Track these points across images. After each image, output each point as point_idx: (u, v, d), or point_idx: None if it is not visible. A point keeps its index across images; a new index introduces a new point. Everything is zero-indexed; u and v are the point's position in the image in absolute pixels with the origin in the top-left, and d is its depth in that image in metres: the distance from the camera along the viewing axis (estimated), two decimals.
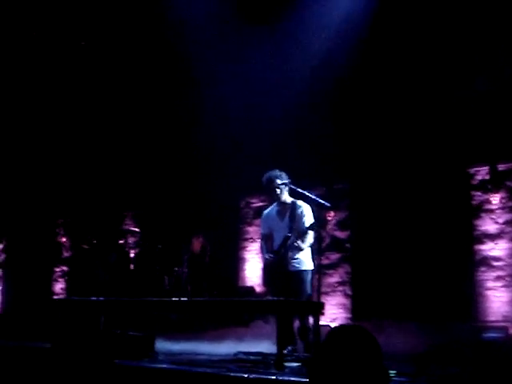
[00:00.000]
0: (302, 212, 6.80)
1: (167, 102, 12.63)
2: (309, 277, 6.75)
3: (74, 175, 14.35)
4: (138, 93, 12.82)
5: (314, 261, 6.82)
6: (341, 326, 2.59)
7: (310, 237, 6.71)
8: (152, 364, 5.50)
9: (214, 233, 12.18)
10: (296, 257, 6.73)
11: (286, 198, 6.92)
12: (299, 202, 6.84)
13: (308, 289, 6.69)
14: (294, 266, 6.75)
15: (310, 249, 6.83)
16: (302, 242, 6.65)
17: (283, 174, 6.92)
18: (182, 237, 11.70)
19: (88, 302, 7.09)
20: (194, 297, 8.77)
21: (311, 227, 6.57)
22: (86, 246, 13.20)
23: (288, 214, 6.85)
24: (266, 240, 7.06)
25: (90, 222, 14.22)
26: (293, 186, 6.77)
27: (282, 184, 6.85)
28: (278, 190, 6.85)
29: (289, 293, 6.48)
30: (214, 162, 12.04)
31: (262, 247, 7.16)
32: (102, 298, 7.03)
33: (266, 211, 7.22)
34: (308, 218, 6.74)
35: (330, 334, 2.52)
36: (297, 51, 10.82)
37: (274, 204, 7.08)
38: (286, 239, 6.67)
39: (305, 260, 6.76)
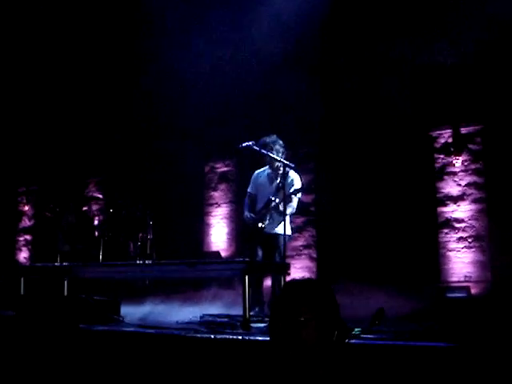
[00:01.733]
0: (292, 181, 6.83)
1: (130, 65, 12.41)
2: (285, 242, 6.76)
3: (37, 142, 14.12)
4: (100, 56, 12.59)
5: (292, 227, 6.88)
6: (295, 280, 2.59)
7: (294, 203, 6.74)
8: (117, 327, 5.46)
9: (179, 198, 12.14)
10: (275, 220, 6.74)
11: (279, 164, 6.88)
12: (292, 172, 6.85)
13: (282, 252, 6.70)
14: (271, 229, 6.77)
15: (289, 216, 6.84)
16: (285, 208, 6.65)
17: (279, 141, 6.91)
18: (147, 202, 11.61)
19: (51, 267, 7.01)
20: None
21: (296, 192, 6.60)
22: (48, 214, 13.03)
23: (278, 180, 6.86)
24: (251, 199, 7.08)
25: (53, 190, 14.03)
26: (257, 148, 6.71)
27: (276, 150, 6.82)
28: (272, 156, 6.79)
29: (264, 253, 6.56)
30: (178, 127, 11.91)
31: (245, 205, 7.16)
32: (65, 263, 6.96)
33: (256, 171, 7.24)
34: (296, 185, 6.78)
35: (284, 287, 2.52)
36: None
37: (266, 167, 7.06)
38: (269, 201, 6.69)
39: (284, 225, 6.75)
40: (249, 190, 7.23)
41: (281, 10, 10.47)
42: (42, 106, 13.65)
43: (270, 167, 7.01)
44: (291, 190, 6.68)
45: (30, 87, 13.55)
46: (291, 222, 6.98)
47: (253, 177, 7.26)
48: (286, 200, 6.51)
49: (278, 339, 2.40)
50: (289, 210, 6.65)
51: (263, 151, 6.69)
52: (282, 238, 6.66)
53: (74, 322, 5.29)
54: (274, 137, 6.93)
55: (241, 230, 7.00)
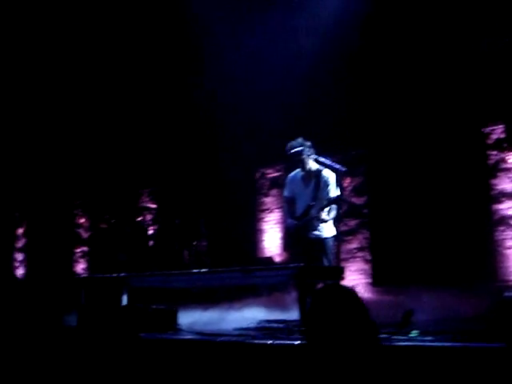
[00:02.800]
0: (327, 181, 6.80)
1: (182, 78, 12.56)
2: (330, 244, 6.77)
3: (90, 155, 14.39)
4: (152, 69, 12.78)
5: (336, 227, 6.85)
6: (323, 287, 2.68)
7: (334, 209, 6.72)
8: (176, 336, 5.55)
9: (231, 205, 12.22)
10: (317, 224, 6.74)
11: (312, 165, 6.91)
12: (325, 171, 6.84)
13: (330, 256, 6.71)
14: (315, 234, 6.77)
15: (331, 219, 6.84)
16: (328, 213, 6.65)
17: (307, 142, 6.93)
18: (200, 211, 11.75)
19: (110, 278, 7.16)
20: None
21: (337, 200, 6.59)
22: (104, 226, 13.29)
23: (313, 182, 6.86)
24: (289, 203, 7.09)
25: (108, 202, 14.29)
26: (307, 153, 6.75)
27: (306, 152, 6.85)
28: (303, 158, 6.83)
29: (310, 260, 6.53)
30: (229, 135, 12.01)
31: (284, 210, 7.19)
32: (123, 274, 7.09)
33: (290, 174, 7.23)
34: (333, 188, 6.75)
35: (314, 295, 2.59)
36: (307, 17, 10.73)
37: (299, 169, 7.08)
38: (308, 208, 6.70)
39: (326, 227, 6.76)
40: (285, 194, 7.22)
41: (323, 9, 10.52)
42: (96, 117, 13.91)
43: (302, 169, 6.99)
44: (330, 194, 6.63)
45: (85, 98, 13.83)
46: (336, 223, 6.90)
47: (287, 180, 7.26)
48: (327, 205, 6.52)
49: (313, 342, 2.46)
50: (330, 217, 6.64)
51: (310, 154, 6.74)
52: (327, 242, 6.67)
53: (135, 331, 5.39)
54: (301, 140, 6.94)
55: (285, 237, 7.01)
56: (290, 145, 6.91)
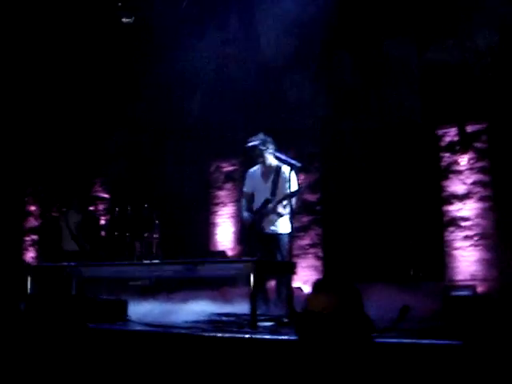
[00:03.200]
0: (286, 177, 6.81)
1: (136, 67, 12.43)
2: (285, 240, 6.79)
3: (44, 142, 14.16)
4: (109, 59, 12.61)
5: (292, 224, 6.86)
6: (324, 278, 2.66)
7: (291, 204, 6.72)
8: (125, 327, 5.50)
9: (184, 198, 12.16)
10: (274, 220, 6.76)
11: (272, 161, 6.92)
12: (284, 167, 6.85)
13: (284, 252, 6.73)
14: (270, 229, 6.78)
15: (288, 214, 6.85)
16: (284, 207, 6.66)
17: (268, 138, 6.94)
18: (153, 202, 11.63)
19: (58, 267, 7.05)
20: None
21: (294, 194, 6.61)
22: (55, 214, 13.08)
23: (272, 177, 6.88)
24: (248, 199, 7.09)
25: (59, 190, 14.07)
26: (263, 147, 6.76)
27: (267, 148, 6.85)
28: (263, 154, 6.84)
29: (264, 254, 6.55)
30: (184, 127, 11.94)
31: (242, 205, 7.18)
32: (72, 263, 6.99)
33: (250, 170, 7.25)
34: (292, 184, 6.76)
35: (312, 286, 2.56)
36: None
37: (259, 165, 7.07)
38: (266, 202, 6.71)
39: (282, 223, 6.78)
40: (244, 189, 7.24)
41: (285, 10, 10.50)
42: (48, 106, 13.68)
43: (263, 165, 7.00)
44: (288, 188, 6.66)
45: (35, 88, 13.58)
46: (291, 219, 6.93)
47: (247, 175, 7.28)
48: (284, 199, 6.54)
49: (305, 336, 2.44)
50: (287, 211, 6.65)
51: (270, 150, 6.74)
52: (282, 237, 6.68)
53: (83, 321, 5.32)
54: (262, 135, 6.95)
55: (240, 229, 7.02)
56: (250, 139, 6.90)
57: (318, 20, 10.27)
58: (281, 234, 6.78)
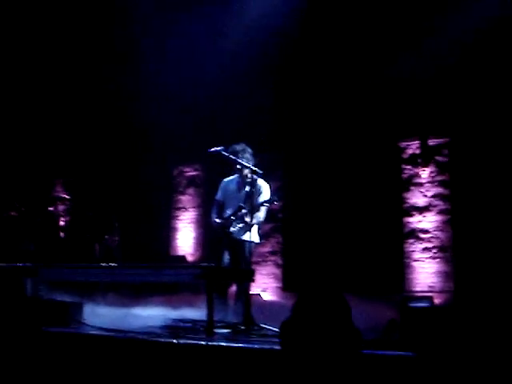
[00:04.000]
0: (260, 189, 6.84)
1: (102, 72, 12.30)
2: (252, 249, 6.78)
3: (4, 140, 13.92)
4: (70, 61, 12.47)
5: (259, 235, 6.89)
6: (311, 288, 2.60)
7: (262, 213, 6.76)
8: (80, 330, 5.42)
9: (146, 202, 12.08)
10: (243, 228, 6.75)
11: (248, 172, 6.88)
12: (260, 181, 6.87)
13: (248, 259, 6.71)
14: (239, 235, 6.78)
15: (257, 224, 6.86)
16: (253, 217, 6.65)
17: (248, 148, 6.92)
18: (114, 205, 11.55)
19: (14, 267, 6.92)
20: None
21: (264, 203, 6.63)
22: (13, 213, 12.87)
23: (247, 187, 6.86)
24: (218, 206, 7.08)
25: (19, 189, 13.86)
26: (225, 154, 6.74)
27: (245, 157, 6.84)
28: (241, 163, 6.81)
29: (231, 259, 6.56)
30: (148, 131, 11.86)
31: (212, 210, 7.14)
32: (28, 264, 6.87)
33: (226, 179, 7.21)
34: (265, 197, 6.80)
35: (300, 296, 2.52)
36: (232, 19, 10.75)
37: (236, 176, 7.06)
38: (239, 209, 6.69)
39: (251, 232, 6.76)
40: (217, 197, 7.21)
41: (252, 19, 10.55)
42: (9, 104, 13.46)
43: (239, 175, 7.01)
44: (260, 200, 6.71)
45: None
46: (259, 229, 6.98)
47: (221, 184, 7.24)
48: (255, 210, 6.54)
49: (291, 348, 2.39)
50: (255, 220, 6.66)
51: (232, 157, 6.72)
52: (248, 245, 6.68)
53: (36, 324, 5.24)
54: (243, 145, 6.95)
55: (208, 235, 6.99)
56: (231, 148, 6.87)
57: (283, 30, 10.36)
58: (248, 241, 6.76)
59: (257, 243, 6.91)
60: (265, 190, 6.91)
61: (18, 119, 13.45)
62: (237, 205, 6.77)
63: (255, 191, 6.74)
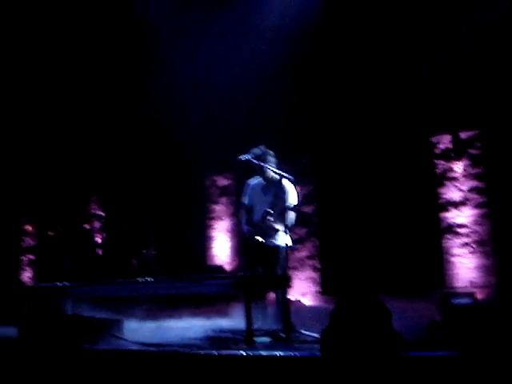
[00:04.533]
0: (286, 190, 6.77)
1: (131, 84, 12.37)
2: (284, 253, 6.72)
3: (37, 161, 14.11)
4: (99, 75, 12.58)
5: (291, 237, 6.82)
6: (350, 294, 2.57)
7: (290, 218, 6.69)
8: (121, 347, 5.44)
9: (180, 213, 12.12)
10: (273, 233, 6.71)
11: (272, 174, 6.85)
12: (285, 181, 6.79)
13: (283, 265, 6.66)
14: (270, 241, 6.73)
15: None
16: (281, 222, 6.61)
17: (269, 151, 6.89)
18: (149, 218, 11.60)
19: (54, 287, 7.00)
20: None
21: (293, 208, 6.58)
22: (51, 233, 13.03)
23: (273, 190, 6.82)
24: (247, 211, 7.02)
25: (55, 208, 14.02)
26: (256, 161, 6.71)
27: (268, 160, 6.80)
28: (264, 167, 6.78)
29: (263, 267, 6.51)
30: (180, 142, 11.90)
31: (241, 217, 7.11)
32: (67, 283, 6.94)
33: (251, 182, 7.14)
34: (291, 198, 6.73)
35: (338, 303, 2.49)
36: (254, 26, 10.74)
37: (259, 178, 7.00)
38: (265, 214, 6.64)
39: (281, 236, 6.72)
40: (244, 201, 7.15)
41: (275, 20, 10.54)
42: (44, 121, 13.63)
43: (263, 177, 6.95)
44: (287, 204, 6.64)
45: (30, 103, 13.55)
46: (290, 231, 6.89)
47: (247, 187, 7.17)
48: (283, 214, 6.50)
49: (332, 355, 2.37)
50: (286, 224, 6.60)
51: (262, 164, 6.69)
52: (281, 250, 6.63)
53: (77, 342, 5.27)
54: (263, 147, 6.88)
55: (240, 241, 6.96)
56: (252, 151, 6.83)
57: (309, 29, 10.31)
58: (280, 246, 6.72)
59: (290, 246, 6.84)
60: (291, 193, 6.82)
61: (54, 137, 13.61)
62: (264, 208, 6.71)
63: (281, 193, 6.69)
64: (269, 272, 6.60)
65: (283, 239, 6.69)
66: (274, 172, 6.74)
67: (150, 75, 11.57)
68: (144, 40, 11.26)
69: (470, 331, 4.55)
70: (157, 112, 11.73)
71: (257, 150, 6.84)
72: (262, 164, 6.69)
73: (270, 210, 6.62)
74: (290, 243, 6.77)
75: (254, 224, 6.84)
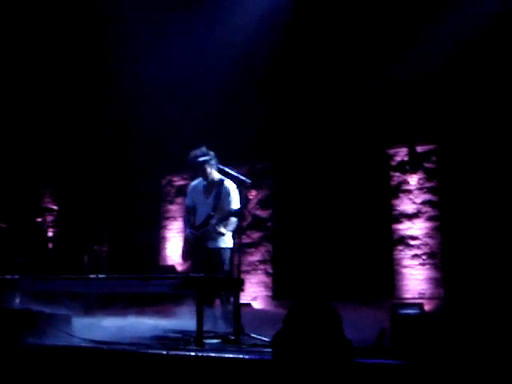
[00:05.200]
0: (228, 192, 6.69)
1: (92, 80, 12.25)
2: (228, 255, 6.71)
3: None
4: (61, 69, 12.42)
5: (234, 239, 6.78)
6: (303, 299, 2.59)
7: (233, 222, 6.64)
8: (68, 343, 5.37)
9: (135, 211, 12.04)
10: (216, 235, 6.67)
11: (214, 175, 6.82)
12: (227, 182, 6.74)
13: (227, 267, 6.65)
14: (213, 244, 6.69)
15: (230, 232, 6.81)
16: (225, 226, 6.57)
17: (210, 152, 6.83)
18: (103, 215, 11.50)
19: (2, 280, 6.87)
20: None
21: (236, 213, 6.52)
22: (2, 225, 12.80)
23: (214, 191, 6.76)
24: (190, 212, 6.96)
25: (7, 200, 13.78)
26: (213, 162, 6.71)
27: (209, 162, 6.76)
28: (206, 168, 6.75)
29: (207, 269, 6.44)
30: (136, 140, 11.84)
31: (184, 219, 7.08)
32: (16, 276, 6.82)
33: (193, 183, 7.07)
34: (234, 200, 6.66)
35: (291, 308, 2.51)
36: (223, 30, 10.75)
37: (201, 179, 6.95)
38: (208, 217, 6.60)
39: (224, 238, 6.71)
40: (186, 202, 7.10)
41: (238, 30, 10.57)
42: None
43: (204, 179, 6.90)
44: (231, 207, 6.59)
45: None
46: (233, 235, 6.86)
47: (189, 189, 7.11)
48: (226, 218, 6.49)
49: (284, 358, 2.39)
50: (227, 229, 6.60)
51: (220, 166, 6.69)
52: (224, 252, 6.62)
53: (23, 336, 5.19)
54: (204, 148, 6.86)
55: (184, 244, 6.90)
56: (193, 153, 6.79)
57: (271, 40, 10.38)
58: (222, 248, 6.69)
59: (231, 248, 6.79)
60: (233, 192, 6.71)
61: (5, 127, 13.37)
62: (206, 210, 6.68)
63: (223, 194, 6.67)
64: (212, 274, 6.54)
65: (224, 241, 6.67)
66: (227, 174, 6.71)
67: (112, 72, 11.49)
68: (109, 36, 11.17)
69: (417, 340, 4.61)
70: (117, 109, 11.66)
71: (202, 150, 6.80)
72: (205, 162, 6.68)
73: (212, 213, 6.59)
74: (230, 245, 6.73)
75: (196, 226, 6.78)
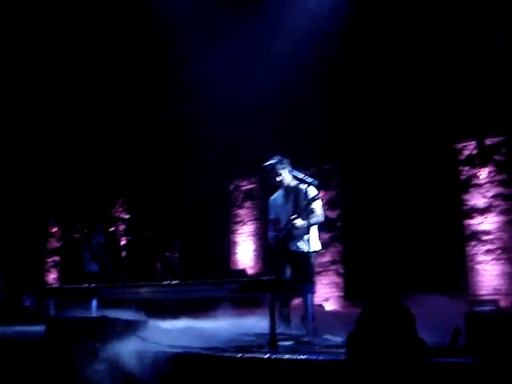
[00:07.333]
0: (306, 194, 6.74)
1: (157, 89, 12.50)
2: (312, 258, 6.71)
3: (64, 164, 14.28)
4: (125, 81, 12.71)
5: (319, 241, 6.84)
6: (376, 299, 2.60)
7: (317, 210, 6.70)
8: (145, 347, 5.49)
9: (204, 217, 12.18)
10: (299, 237, 6.71)
11: (289, 181, 6.90)
12: (302, 185, 6.81)
13: (311, 270, 6.66)
14: (297, 247, 6.75)
15: (316, 229, 6.83)
16: (304, 219, 6.60)
17: (284, 160, 6.92)
18: (173, 222, 11.69)
19: (78, 289, 7.08)
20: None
21: (311, 200, 6.56)
22: (76, 235, 13.17)
23: (292, 196, 6.86)
24: (274, 224, 7.05)
25: (80, 211, 14.18)
26: (280, 166, 6.77)
27: (284, 168, 6.85)
28: (281, 176, 6.84)
29: (293, 273, 6.52)
30: (203, 146, 11.99)
31: (269, 228, 7.14)
32: (92, 285, 7.02)
33: (272, 197, 7.19)
34: (318, 212, 6.75)
35: (365, 308, 2.53)
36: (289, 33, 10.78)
37: (280, 190, 7.06)
38: (290, 219, 6.67)
39: (309, 241, 6.69)
40: (270, 216, 7.18)
41: (301, 28, 10.56)
42: (69, 126, 13.80)
43: (282, 187, 6.99)
44: (315, 220, 6.63)
45: (55, 110, 13.72)
46: (319, 235, 6.90)
47: (270, 203, 7.21)
48: (306, 211, 6.51)
49: (357, 358, 2.41)
50: (313, 220, 6.62)
51: (287, 170, 6.75)
52: (308, 256, 6.63)
53: (104, 342, 5.33)
54: (279, 156, 6.93)
55: (267, 250, 6.98)
56: (269, 162, 6.89)
57: (336, 36, 10.33)
58: (307, 252, 6.71)
59: (317, 251, 6.85)
60: (310, 193, 6.75)
61: (78, 141, 13.77)
62: (287, 215, 6.74)
63: (301, 197, 6.71)
64: (297, 277, 6.60)
65: (309, 244, 6.67)
66: (296, 177, 6.77)
67: (175, 79, 11.67)
68: (167, 40, 11.34)
69: (493, 338, 4.53)
70: (183, 116, 11.83)
71: (276, 158, 6.89)
72: (281, 169, 6.75)
73: (291, 217, 6.64)
74: (318, 248, 6.80)
75: (278, 229, 6.85)
